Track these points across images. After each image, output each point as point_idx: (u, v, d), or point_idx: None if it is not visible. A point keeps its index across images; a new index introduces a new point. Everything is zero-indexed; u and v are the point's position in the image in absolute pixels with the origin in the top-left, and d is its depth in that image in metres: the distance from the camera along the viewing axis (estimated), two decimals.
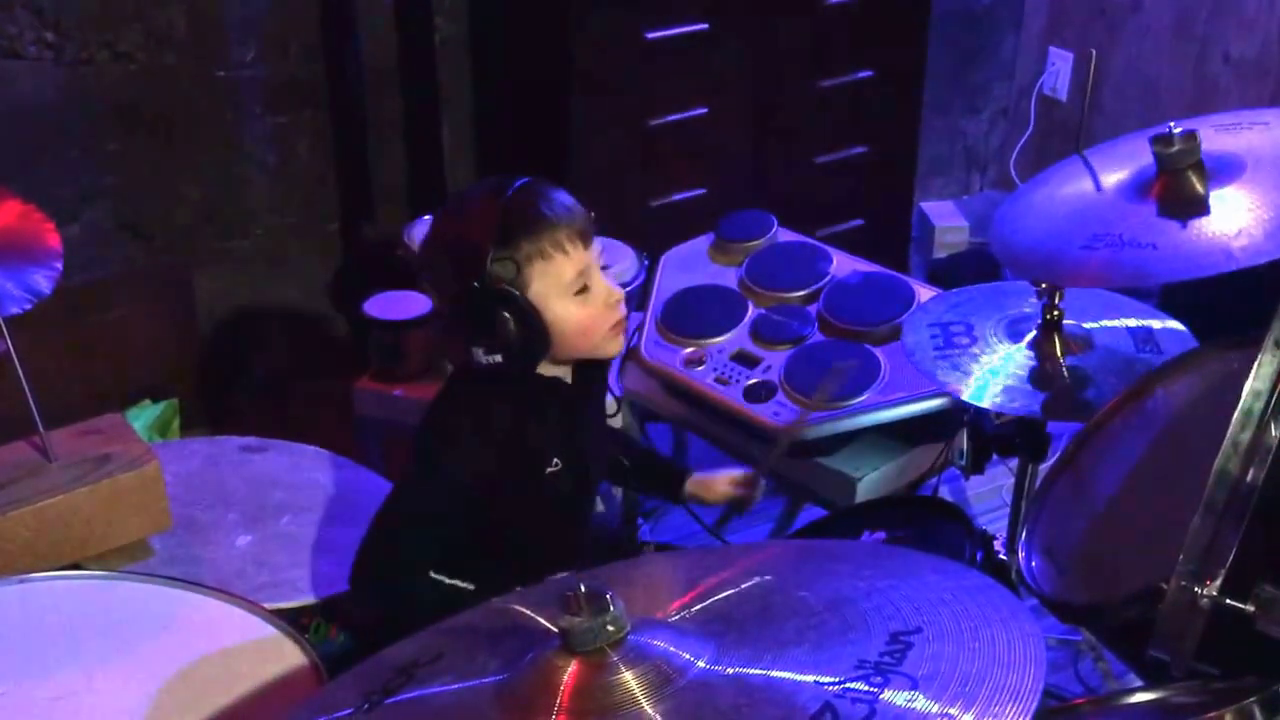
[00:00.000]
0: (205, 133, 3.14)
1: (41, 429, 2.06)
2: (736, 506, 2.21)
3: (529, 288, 1.78)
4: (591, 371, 1.97)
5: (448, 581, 1.82)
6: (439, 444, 1.88)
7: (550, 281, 1.80)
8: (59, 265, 2.01)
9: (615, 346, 1.91)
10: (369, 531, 1.86)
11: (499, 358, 1.79)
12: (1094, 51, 2.58)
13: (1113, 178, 2.08)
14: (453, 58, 3.34)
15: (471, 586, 1.81)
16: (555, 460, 1.89)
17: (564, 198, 1.84)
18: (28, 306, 1.94)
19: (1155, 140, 1.96)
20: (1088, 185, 2.11)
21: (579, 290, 1.83)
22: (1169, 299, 2.89)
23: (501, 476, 1.85)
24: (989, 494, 3.14)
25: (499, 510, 1.88)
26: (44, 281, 1.98)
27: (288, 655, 1.71)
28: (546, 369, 1.89)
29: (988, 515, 3.08)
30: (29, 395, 2.01)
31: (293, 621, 1.79)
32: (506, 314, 1.77)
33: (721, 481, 2.18)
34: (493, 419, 1.85)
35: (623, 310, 1.90)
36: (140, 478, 2.04)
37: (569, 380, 1.93)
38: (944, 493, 2.84)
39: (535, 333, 1.79)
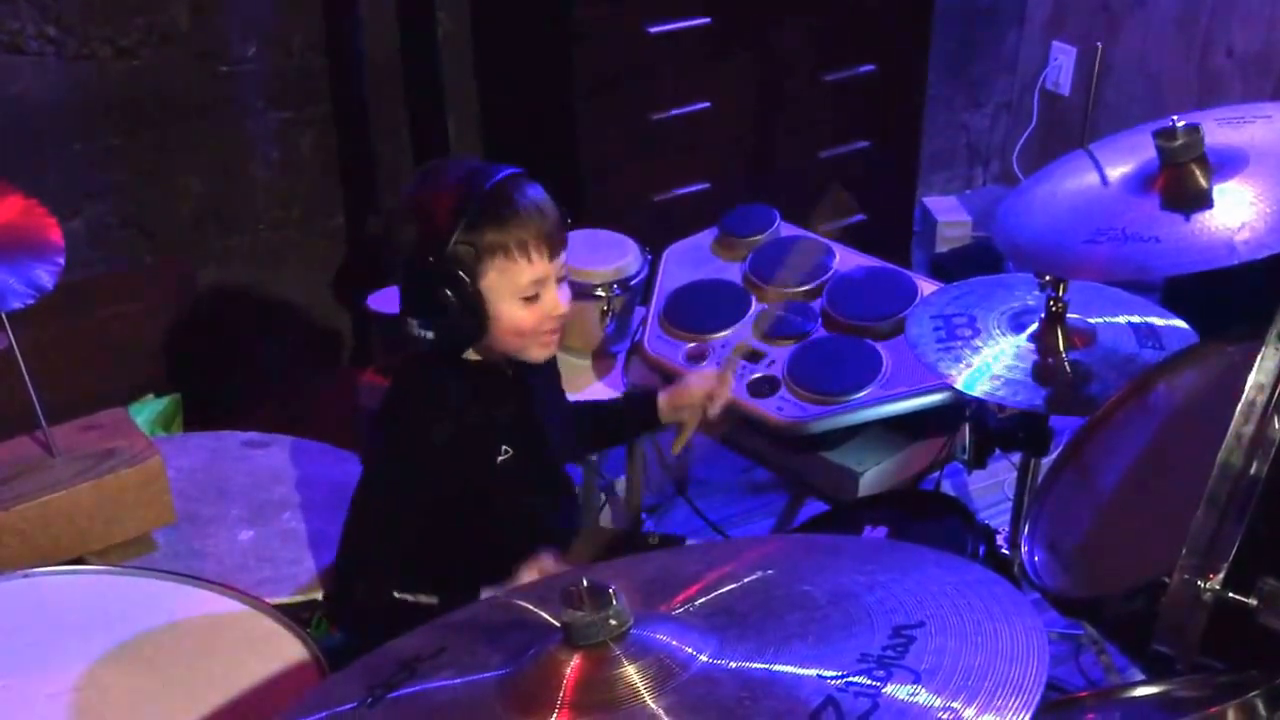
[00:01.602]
0: (208, 128, 3.13)
1: (44, 424, 2.06)
2: (703, 415, 2.13)
3: (482, 278, 1.79)
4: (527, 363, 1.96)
5: (411, 599, 1.81)
6: (392, 431, 1.89)
7: (505, 280, 1.80)
8: (61, 260, 2.01)
9: (543, 354, 1.92)
10: (340, 554, 1.86)
11: (430, 334, 1.81)
12: (1099, 45, 2.57)
13: (1116, 172, 2.08)
14: (455, 52, 3.34)
15: (435, 600, 1.81)
16: (505, 448, 1.89)
17: (542, 200, 1.84)
18: (30, 301, 1.94)
19: (1158, 134, 1.96)
20: (1091, 179, 2.10)
21: (529, 296, 1.83)
22: (1172, 293, 2.89)
23: (453, 463, 1.85)
24: (991, 488, 3.14)
25: (458, 503, 1.88)
26: (46, 276, 1.98)
27: (290, 650, 1.71)
28: (484, 355, 1.89)
29: (990, 510, 3.08)
30: (31, 390, 2.01)
31: (295, 616, 1.80)
32: (452, 296, 1.77)
33: (693, 389, 2.12)
34: (437, 402, 1.85)
35: (560, 323, 1.90)
36: (143, 473, 2.05)
37: (509, 368, 1.93)
38: (946, 487, 2.84)
39: (473, 322, 1.80)
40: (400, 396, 1.92)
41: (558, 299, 1.87)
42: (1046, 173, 2.21)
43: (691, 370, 2.55)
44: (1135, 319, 2.26)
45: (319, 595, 2.01)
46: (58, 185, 2.96)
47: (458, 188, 1.80)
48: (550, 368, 2.06)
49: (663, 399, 2.17)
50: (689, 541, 2.37)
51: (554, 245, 1.83)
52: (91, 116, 2.98)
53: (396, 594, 1.81)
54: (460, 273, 1.77)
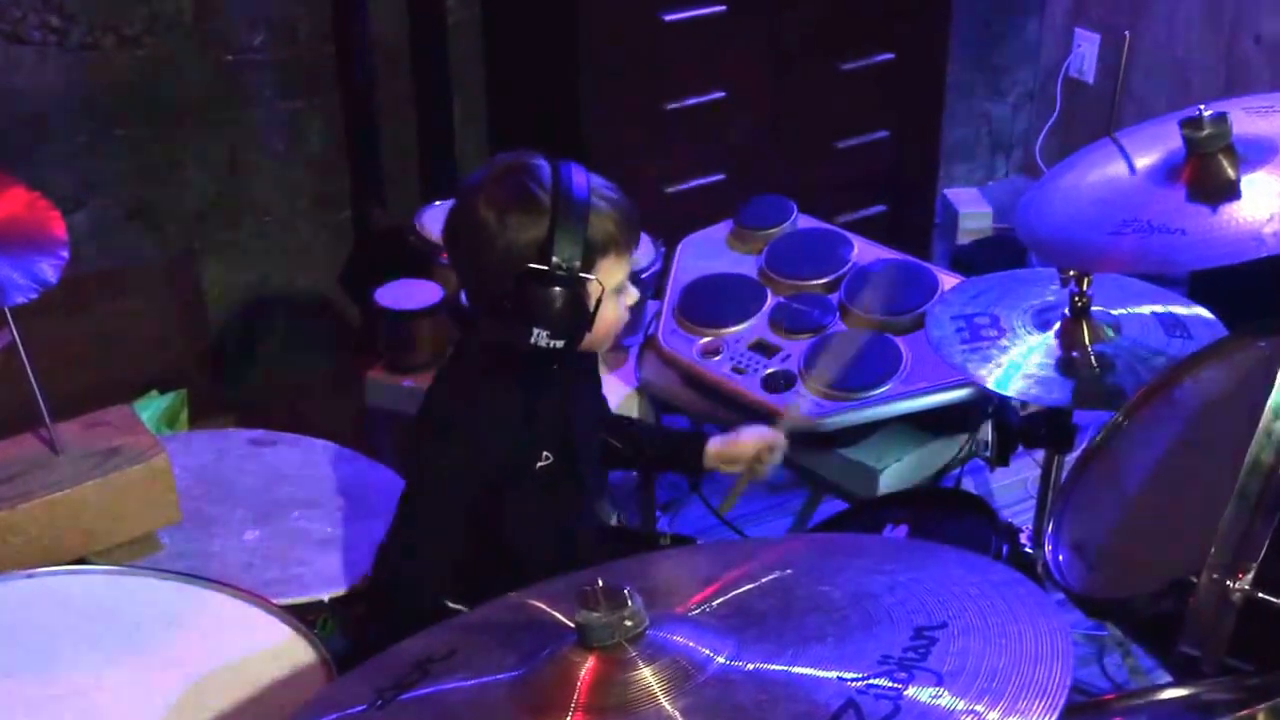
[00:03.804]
0: (214, 119, 3.12)
1: (48, 421, 2.04)
2: (752, 473, 2.11)
3: (592, 279, 1.75)
4: (578, 363, 1.93)
5: (450, 605, 1.78)
6: (447, 430, 1.83)
7: (609, 276, 1.77)
8: (65, 254, 1.99)
9: (611, 345, 1.93)
10: (385, 559, 1.84)
11: (561, 343, 1.74)
12: (1128, 34, 2.55)
13: (1141, 162, 2.06)
14: (464, 41, 3.32)
15: (465, 609, 1.76)
16: (545, 454, 1.85)
17: (620, 191, 1.82)
18: (34, 296, 1.91)
19: (1185, 123, 1.94)
20: (1116, 170, 2.08)
21: (619, 289, 1.82)
22: (1198, 286, 2.86)
23: (498, 469, 1.81)
24: (1014, 486, 3.12)
25: (492, 509, 1.84)
26: (50, 271, 1.95)
27: (297, 651, 1.70)
28: None
29: (1013, 508, 3.05)
30: (35, 386, 1.99)
31: (301, 617, 1.78)
32: (577, 300, 1.73)
33: (746, 444, 2.09)
34: (500, 406, 1.81)
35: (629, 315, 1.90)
36: (149, 470, 2.02)
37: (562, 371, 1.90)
38: (968, 485, 2.82)
39: (588, 323, 1.76)
40: (456, 401, 1.85)
41: (632, 290, 1.86)
42: (1070, 163, 2.19)
43: (703, 364, 2.53)
44: (1160, 309, 2.24)
45: (325, 596, 1.99)
46: (61, 178, 2.95)
47: (564, 187, 1.74)
48: (592, 370, 2.03)
49: (713, 447, 2.12)
50: (704, 540, 2.35)
51: (639, 236, 1.84)
52: (95, 107, 2.98)
53: (450, 604, 1.77)
54: (584, 273, 1.72)
